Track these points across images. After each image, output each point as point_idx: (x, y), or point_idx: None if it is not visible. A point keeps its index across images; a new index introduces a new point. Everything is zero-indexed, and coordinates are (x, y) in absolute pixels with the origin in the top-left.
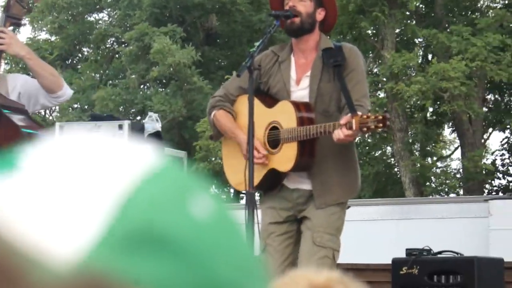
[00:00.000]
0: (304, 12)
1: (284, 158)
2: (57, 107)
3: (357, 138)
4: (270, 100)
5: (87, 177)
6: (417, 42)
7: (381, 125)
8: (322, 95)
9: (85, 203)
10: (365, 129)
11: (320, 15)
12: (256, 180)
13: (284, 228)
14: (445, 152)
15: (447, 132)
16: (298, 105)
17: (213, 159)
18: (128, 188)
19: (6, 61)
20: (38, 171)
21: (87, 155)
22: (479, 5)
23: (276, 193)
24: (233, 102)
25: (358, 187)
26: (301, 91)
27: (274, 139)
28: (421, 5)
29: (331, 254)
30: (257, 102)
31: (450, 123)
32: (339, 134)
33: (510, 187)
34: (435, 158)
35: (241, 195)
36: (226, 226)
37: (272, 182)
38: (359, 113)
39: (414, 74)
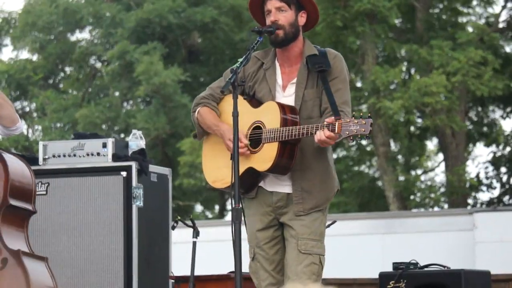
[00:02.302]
0: (286, 24)
1: (263, 158)
2: (39, 127)
3: (340, 153)
4: (255, 101)
5: None
6: (399, 57)
7: (363, 129)
8: (306, 101)
9: None
10: (347, 132)
11: (302, 18)
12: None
13: (270, 233)
14: (429, 165)
15: (431, 145)
16: (283, 107)
17: (198, 175)
18: None
19: None
20: None
21: None
22: (459, 21)
23: (254, 198)
24: (219, 100)
25: (334, 192)
26: (286, 98)
27: (256, 139)
28: (401, 21)
29: (317, 260)
30: (242, 101)
31: (433, 137)
32: (321, 135)
33: (494, 200)
34: (419, 172)
35: (226, 212)
36: None
37: (249, 182)
38: (343, 118)
39: (395, 89)
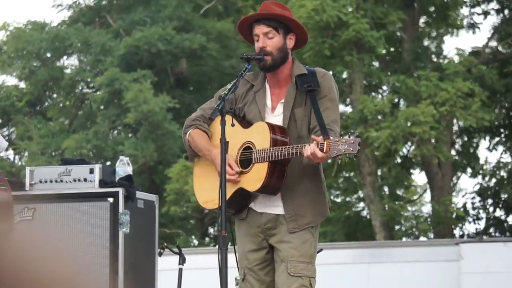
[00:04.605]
0: (274, 50)
1: (253, 178)
2: (26, 152)
3: (327, 182)
4: (246, 122)
5: None
6: (385, 88)
7: (351, 149)
8: (295, 120)
9: None
10: (335, 152)
11: (291, 40)
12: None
13: (262, 255)
14: (415, 197)
15: (418, 178)
16: (273, 127)
17: (183, 203)
18: None
19: None
20: None
21: None
22: (445, 53)
23: (245, 219)
24: (210, 121)
25: (328, 210)
26: (275, 118)
27: (246, 159)
28: (389, 51)
29: (307, 282)
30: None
31: (420, 167)
32: (307, 150)
33: (480, 231)
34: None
35: (208, 239)
36: None
37: (240, 203)
38: (331, 137)
39: (383, 118)
